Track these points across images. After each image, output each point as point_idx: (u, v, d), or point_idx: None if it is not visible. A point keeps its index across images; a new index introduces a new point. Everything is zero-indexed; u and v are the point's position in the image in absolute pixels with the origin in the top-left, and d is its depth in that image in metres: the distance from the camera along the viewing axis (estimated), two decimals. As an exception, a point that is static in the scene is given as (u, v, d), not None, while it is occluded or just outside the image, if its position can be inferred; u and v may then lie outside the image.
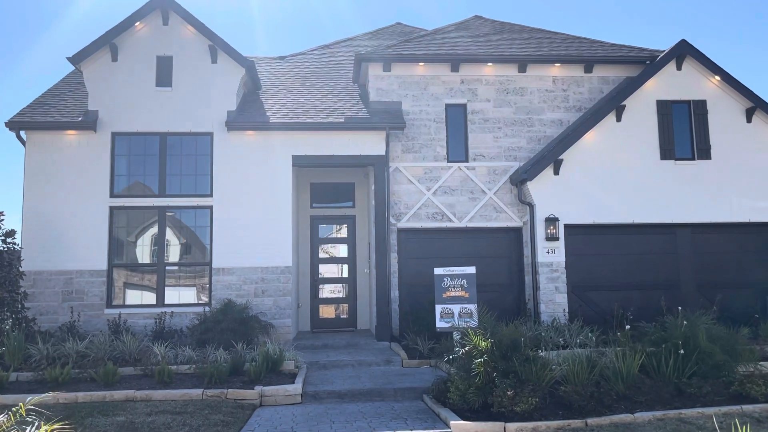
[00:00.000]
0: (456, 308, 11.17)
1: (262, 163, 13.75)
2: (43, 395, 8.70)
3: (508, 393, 7.70)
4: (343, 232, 16.56)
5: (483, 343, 8.35)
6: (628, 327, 9.39)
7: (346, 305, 16.25)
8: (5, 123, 13.12)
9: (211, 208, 13.66)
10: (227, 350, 11.21)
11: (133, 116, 13.65)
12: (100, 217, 13.37)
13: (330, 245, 16.68)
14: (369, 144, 14.04)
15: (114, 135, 13.65)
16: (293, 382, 9.68)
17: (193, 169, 13.87)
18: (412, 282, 14.40)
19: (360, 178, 16.26)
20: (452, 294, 11.22)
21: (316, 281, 16.16)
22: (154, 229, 13.65)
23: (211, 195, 13.68)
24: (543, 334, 11.53)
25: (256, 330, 12.34)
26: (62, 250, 13.17)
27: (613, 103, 14.35)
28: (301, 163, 14.04)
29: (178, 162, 13.83)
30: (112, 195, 13.54)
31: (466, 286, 11.18)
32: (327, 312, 16.24)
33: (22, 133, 13.36)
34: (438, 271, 11.45)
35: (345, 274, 16.34)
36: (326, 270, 16.44)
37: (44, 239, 13.17)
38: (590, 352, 9.24)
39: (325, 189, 16.44)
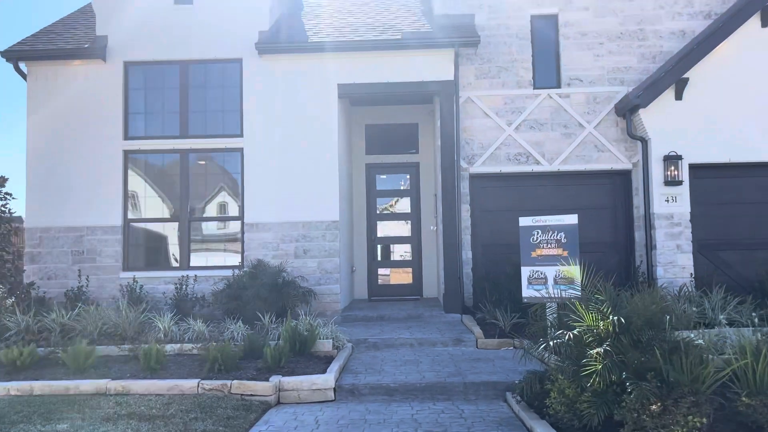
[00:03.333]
0: (550, 271, 8.01)
1: (301, 94, 10.88)
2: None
3: (652, 407, 4.57)
4: (406, 183, 13.57)
5: (601, 324, 5.22)
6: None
7: (409, 269, 13.33)
8: (0, 53, 10.81)
9: (241, 151, 10.96)
10: (249, 325, 8.58)
11: (148, 41, 11.04)
12: (113, 163, 10.94)
13: (390, 199, 13.75)
14: (433, 67, 10.88)
15: (127, 65, 11.11)
16: (326, 371, 6.88)
17: (220, 104, 11.18)
18: (489, 240, 11.29)
19: (424, 117, 13.15)
20: (545, 252, 8.06)
21: (374, 241, 13.30)
22: (176, 177, 11.11)
23: (241, 135, 10.97)
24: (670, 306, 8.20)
25: (292, 298, 9.60)
26: (71, 202, 10.85)
27: (756, 3, 10.54)
28: (348, 92, 11.07)
29: (203, 96, 11.15)
30: (127, 137, 11.06)
31: (564, 241, 7.98)
32: (387, 277, 13.39)
33: (22, 66, 11.02)
34: (524, 221, 8.31)
35: (408, 233, 13.40)
36: (386, 228, 13.54)
37: (51, 190, 10.88)
38: (757, 335, 5.95)
39: (383, 132, 13.45)
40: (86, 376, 6.68)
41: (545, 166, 11.20)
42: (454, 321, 10.16)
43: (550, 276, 8.02)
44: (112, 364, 7.26)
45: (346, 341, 8.26)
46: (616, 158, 11.17)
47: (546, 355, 5.85)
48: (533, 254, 8.16)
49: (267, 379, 6.54)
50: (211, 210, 11.23)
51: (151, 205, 11.20)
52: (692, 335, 5.47)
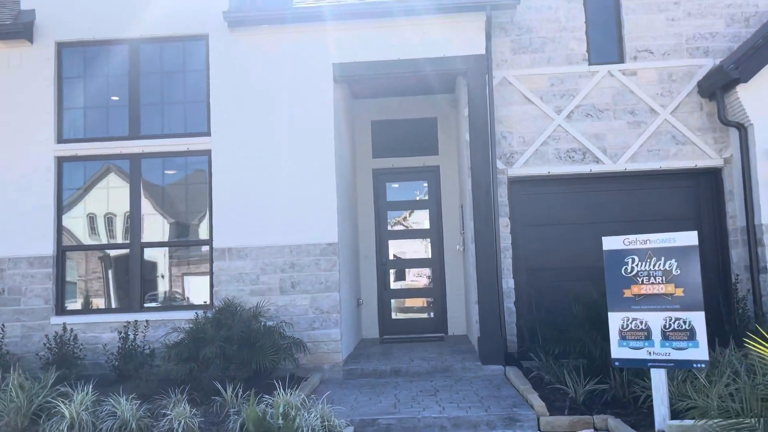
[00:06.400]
0: (655, 320, 5.03)
1: (286, 78, 8.02)
2: None
3: None
4: (423, 193, 10.65)
5: None
6: None
7: (430, 299, 10.37)
8: None
9: (209, 154, 8.10)
10: (206, 400, 5.68)
11: (86, 15, 8.22)
12: (42, 175, 8.09)
13: (404, 212, 10.82)
14: (458, 38, 7.98)
15: (60, 46, 8.30)
16: (306, 506, 3.94)
17: (180, 94, 8.32)
18: (537, 264, 8.33)
19: (445, 110, 10.24)
20: (646, 290, 5.09)
21: (385, 265, 10.35)
22: (125, 191, 8.25)
23: (208, 134, 8.10)
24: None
25: (271, 354, 6.65)
26: (-11, 226, 8.06)
27: None
28: (348, 74, 8.19)
29: (158, 84, 8.31)
30: (60, 140, 8.23)
31: (675, 272, 5.02)
32: (403, 310, 10.43)
33: (-74, 52, 8.28)
34: (611, 243, 5.33)
35: (427, 254, 10.45)
36: (399, 248, 10.59)
37: (-38, 211, 8.10)
38: None
39: (394, 129, 10.53)
40: None
41: (608, 165, 8.25)
42: (497, 378, 7.20)
43: (656, 327, 5.03)
44: (-38, 491, 4.37)
45: (343, 428, 5.29)
46: (701, 152, 8.20)
47: None
48: (627, 293, 5.18)
49: None
50: (171, 232, 8.35)
51: (94, 227, 8.35)
52: None
